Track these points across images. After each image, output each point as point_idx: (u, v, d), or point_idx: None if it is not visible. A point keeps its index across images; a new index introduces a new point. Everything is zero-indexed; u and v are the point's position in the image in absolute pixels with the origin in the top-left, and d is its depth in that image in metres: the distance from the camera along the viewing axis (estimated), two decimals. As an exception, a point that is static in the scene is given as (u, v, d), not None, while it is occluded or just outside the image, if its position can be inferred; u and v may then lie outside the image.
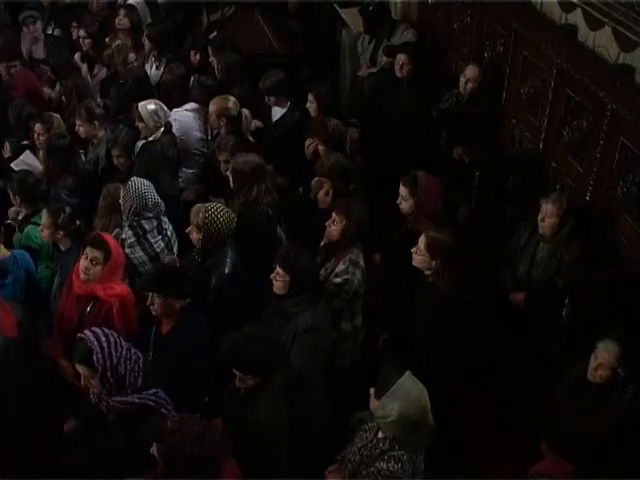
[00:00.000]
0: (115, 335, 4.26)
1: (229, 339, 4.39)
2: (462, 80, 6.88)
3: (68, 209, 5.64)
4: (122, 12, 8.62)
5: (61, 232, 5.58)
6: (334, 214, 5.38)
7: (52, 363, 5.30)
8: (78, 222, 5.66)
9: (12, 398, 4.75)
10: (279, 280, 4.87)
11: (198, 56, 8.04)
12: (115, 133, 6.59)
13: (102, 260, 4.98)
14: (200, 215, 5.23)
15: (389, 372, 4.08)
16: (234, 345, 4.35)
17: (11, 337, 4.87)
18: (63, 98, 7.66)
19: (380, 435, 4.09)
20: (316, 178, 6.01)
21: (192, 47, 8.15)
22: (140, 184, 5.50)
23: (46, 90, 8.25)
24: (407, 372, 4.04)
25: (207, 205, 5.33)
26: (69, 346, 4.94)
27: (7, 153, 7.19)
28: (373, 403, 4.08)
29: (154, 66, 8.21)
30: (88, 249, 5.01)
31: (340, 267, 5.33)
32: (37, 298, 5.82)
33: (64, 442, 5.06)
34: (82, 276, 5.04)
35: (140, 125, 6.56)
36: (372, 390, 4.09)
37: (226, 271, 5.19)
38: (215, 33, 8.68)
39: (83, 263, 5.01)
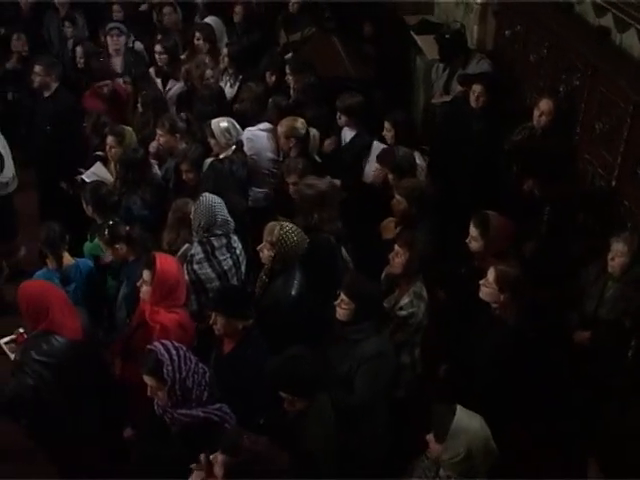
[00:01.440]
0: (184, 349, 4.31)
1: (275, 361, 4.44)
2: (536, 113, 6.79)
3: (118, 225, 5.76)
4: (199, 34, 8.77)
5: (117, 246, 5.72)
6: (397, 246, 5.38)
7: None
8: (127, 228, 5.75)
9: (72, 399, 4.90)
10: (343, 307, 4.88)
11: (274, 77, 8.13)
12: (185, 148, 6.68)
13: (149, 280, 5.06)
14: (275, 232, 5.28)
15: (440, 412, 3.99)
16: (280, 367, 4.38)
17: (76, 340, 4.98)
18: (140, 109, 7.78)
19: (442, 473, 4.01)
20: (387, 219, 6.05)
21: (268, 67, 8.26)
22: (211, 200, 5.57)
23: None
24: (458, 407, 3.97)
25: (282, 223, 5.39)
26: (124, 348, 5.19)
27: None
28: (433, 447, 3.98)
29: (229, 84, 8.33)
30: (144, 270, 5.13)
31: (404, 300, 5.33)
32: (98, 307, 5.95)
33: (122, 449, 5.14)
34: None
35: (212, 142, 6.66)
36: (429, 436, 3.99)
37: (293, 293, 5.22)
38: (291, 54, 8.77)
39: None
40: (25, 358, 4.84)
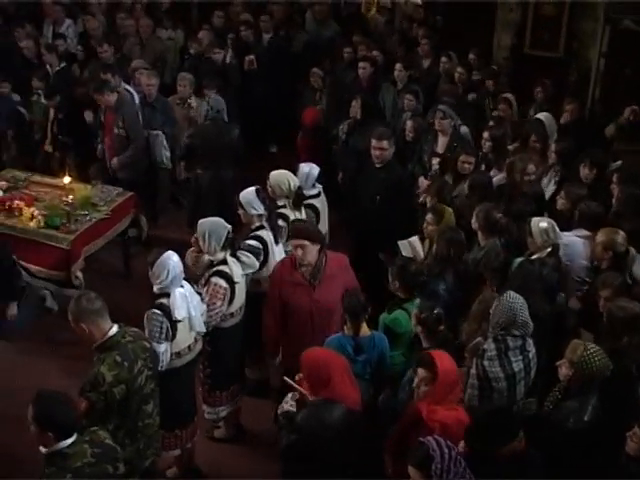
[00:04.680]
0: (456, 450, 4.23)
1: None
2: None
3: (438, 309, 5.73)
4: (531, 129, 8.75)
5: (420, 328, 5.71)
6: None
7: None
8: (442, 327, 5.73)
9: (337, 468, 4.94)
10: (636, 442, 4.59)
11: (587, 169, 7.81)
12: (487, 254, 6.59)
13: (429, 380, 5.00)
14: (577, 352, 5.07)
15: None
16: None
17: (354, 410, 5.05)
18: (466, 190, 7.76)
19: None
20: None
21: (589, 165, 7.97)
22: (515, 300, 5.44)
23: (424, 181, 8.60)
24: None
25: (587, 344, 5.17)
26: (397, 447, 5.12)
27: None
28: None
29: (553, 181, 8.19)
30: (419, 368, 5.09)
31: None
32: (383, 383, 6.00)
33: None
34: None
35: (528, 240, 6.55)
36: None
37: (586, 418, 4.96)
38: (620, 162, 8.48)
39: (416, 379, 5.11)
40: (303, 422, 4.98)
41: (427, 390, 5.01)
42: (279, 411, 5.30)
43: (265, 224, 6.83)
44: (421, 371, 5.04)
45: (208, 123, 9.39)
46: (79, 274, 8.11)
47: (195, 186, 9.51)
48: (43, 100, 10.60)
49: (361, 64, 10.71)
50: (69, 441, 4.35)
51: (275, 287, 6.37)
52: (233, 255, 6.35)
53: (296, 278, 6.27)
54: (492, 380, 5.40)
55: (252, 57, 11.47)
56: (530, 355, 5.53)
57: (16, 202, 8.44)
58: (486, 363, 5.41)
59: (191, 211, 9.38)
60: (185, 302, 5.77)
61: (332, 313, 6.20)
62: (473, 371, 5.44)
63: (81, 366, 5.17)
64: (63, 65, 11.38)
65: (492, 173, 8.29)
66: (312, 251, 6.17)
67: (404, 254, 7.08)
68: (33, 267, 8.22)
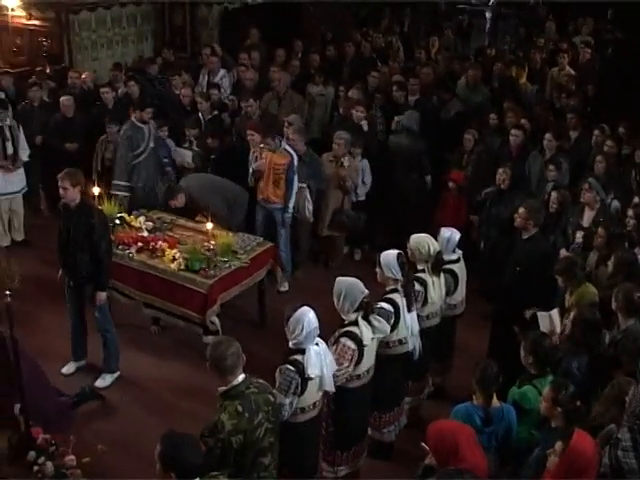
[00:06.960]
0: None
1: None
2: None
3: (572, 387, 5.57)
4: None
5: (559, 409, 5.49)
6: None
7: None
8: (579, 403, 5.54)
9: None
10: None
11: None
12: (625, 337, 6.36)
13: (559, 452, 4.86)
14: None
15: None
16: None
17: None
18: (610, 267, 7.59)
19: None
20: None
21: None
22: (647, 388, 5.21)
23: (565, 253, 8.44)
24: None
25: None
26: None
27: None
28: None
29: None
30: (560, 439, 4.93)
31: None
32: (507, 456, 5.86)
33: None
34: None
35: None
36: None
37: None
38: None
39: None
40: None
41: (554, 461, 4.88)
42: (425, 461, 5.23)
43: (400, 289, 6.79)
44: (558, 442, 4.92)
45: (404, 133, 11.14)
46: (215, 319, 8.29)
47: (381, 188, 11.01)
48: (195, 147, 10.99)
49: (513, 131, 10.54)
50: (190, 484, 4.41)
51: None
52: (365, 318, 6.35)
53: None
54: (627, 472, 5.14)
55: (399, 118, 11.55)
56: (664, 446, 5.27)
57: (160, 243, 8.79)
58: (620, 453, 5.15)
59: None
60: (319, 360, 5.80)
61: None
62: (605, 460, 5.19)
63: (212, 410, 5.25)
64: (215, 114, 11.88)
65: (636, 251, 8.05)
66: None
67: (542, 327, 6.93)
68: (169, 305, 8.56)
